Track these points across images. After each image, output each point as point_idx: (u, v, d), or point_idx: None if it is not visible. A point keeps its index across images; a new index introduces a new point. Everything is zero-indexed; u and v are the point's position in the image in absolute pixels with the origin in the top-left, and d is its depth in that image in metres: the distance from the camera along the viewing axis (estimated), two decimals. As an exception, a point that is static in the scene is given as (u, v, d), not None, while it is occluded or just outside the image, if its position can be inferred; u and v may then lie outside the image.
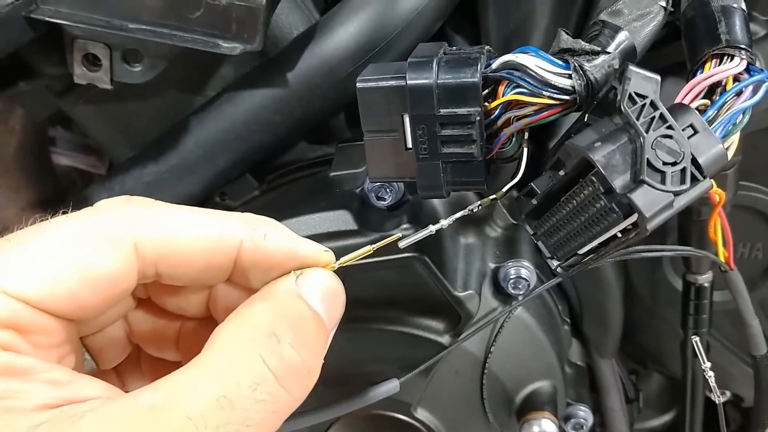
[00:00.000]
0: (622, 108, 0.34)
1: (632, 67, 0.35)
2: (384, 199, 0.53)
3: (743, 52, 0.39)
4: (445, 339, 0.54)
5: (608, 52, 0.39)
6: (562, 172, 0.37)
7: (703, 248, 0.55)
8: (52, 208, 0.33)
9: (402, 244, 0.42)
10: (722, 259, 0.51)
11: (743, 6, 0.42)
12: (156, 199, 0.54)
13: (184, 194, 0.56)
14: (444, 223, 0.42)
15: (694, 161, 0.34)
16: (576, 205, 0.37)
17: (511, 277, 0.55)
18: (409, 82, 0.40)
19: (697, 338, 0.54)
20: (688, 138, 0.34)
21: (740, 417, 0.81)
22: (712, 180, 0.35)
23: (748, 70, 0.39)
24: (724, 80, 0.39)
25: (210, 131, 0.54)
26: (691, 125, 0.35)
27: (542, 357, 0.57)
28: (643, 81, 0.35)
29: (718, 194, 0.46)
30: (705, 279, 0.63)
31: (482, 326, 0.51)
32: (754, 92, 0.38)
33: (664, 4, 0.42)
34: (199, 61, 0.55)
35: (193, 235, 0.33)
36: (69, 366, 0.32)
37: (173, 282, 0.35)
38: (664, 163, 0.33)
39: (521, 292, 0.55)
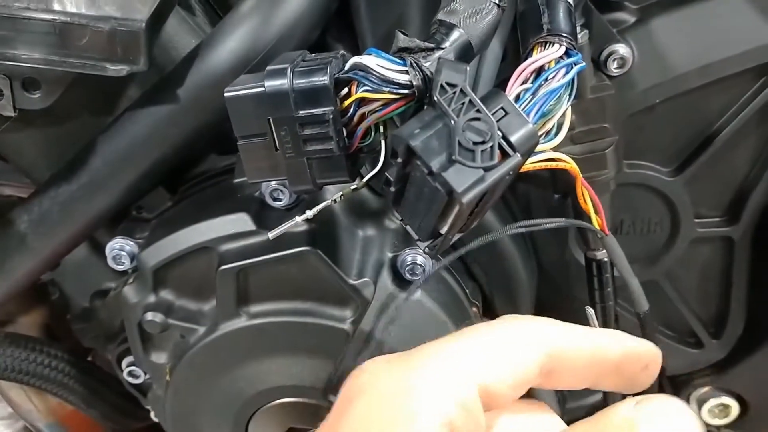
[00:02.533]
0: (435, 97, 0.38)
1: (443, 59, 0.39)
2: (280, 200, 0.57)
3: (563, 38, 0.43)
4: (347, 326, 0.58)
5: (443, 48, 0.44)
6: (399, 160, 0.41)
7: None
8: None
9: (271, 235, 0.46)
10: (597, 226, 0.55)
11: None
12: (73, 217, 0.59)
13: (97, 211, 0.60)
14: (309, 213, 0.47)
15: (506, 139, 0.38)
16: (415, 189, 0.41)
17: (408, 263, 0.59)
18: (267, 87, 0.44)
19: (590, 309, 0.58)
20: (500, 119, 0.38)
21: (670, 387, 0.85)
22: (520, 154, 0.38)
23: (568, 54, 0.43)
24: (547, 65, 0.43)
25: (114, 149, 0.58)
26: (502, 108, 0.39)
27: (446, 337, 0.60)
28: (452, 71, 0.39)
29: (574, 171, 0.50)
30: (603, 254, 0.67)
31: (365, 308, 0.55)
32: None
33: (497, 0, 0.46)
34: (105, 84, 0.59)
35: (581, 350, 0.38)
36: None
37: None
38: (474, 143, 0.37)
39: (418, 278, 0.58)
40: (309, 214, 0.47)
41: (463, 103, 0.38)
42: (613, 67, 0.60)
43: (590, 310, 0.52)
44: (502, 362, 0.36)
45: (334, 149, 0.45)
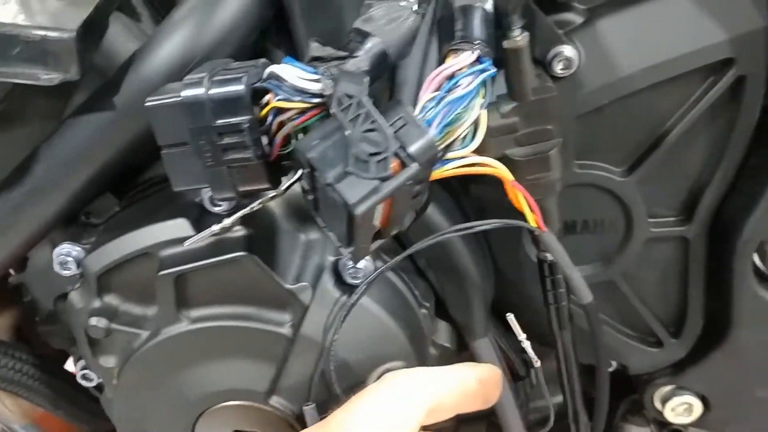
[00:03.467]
0: (332, 109, 0.38)
1: (342, 70, 0.40)
2: (219, 205, 0.57)
3: (474, 45, 0.43)
4: (286, 330, 0.58)
5: (356, 56, 0.44)
6: (307, 169, 0.41)
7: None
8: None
9: (187, 243, 0.46)
10: (533, 224, 0.55)
11: (486, 6, 0.46)
12: (18, 225, 0.60)
13: (44, 217, 0.61)
14: (226, 222, 0.47)
15: (405, 149, 0.38)
16: (324, 198, 0.41)
17: (349, 267, 0.59)
18: (183, 97, 0.45)
19: (512, 315, 0.58)
20: (398, 130, 0.39)
21: (634, 384, 0.84)
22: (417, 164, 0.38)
23: (480, 61, 0.43)
24: (458, 72, 0.43)
25: (57, 156, 0.58)
26: (401, 118, 0.39)
27: (390, 340, 0.61)
28: (350, 83, 0.39)
29: (500, 175, 0.50)
30: (553, 255, 0.67)
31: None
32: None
33: (415, 8, 0.46)
34: (50, 91, 0.60)
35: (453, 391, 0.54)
36: None
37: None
38: (369, 154, 0.37)
39: (359, 281, 0.59)
40: (227, 222, 0.47)
41: (359, 115, 0.38)
42: (558, 68, 0.60)
43: (511, 317, 0.53)
44: (404, 419, 0.50)
45: (252, 158, 0.45)
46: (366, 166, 0.37)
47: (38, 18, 0.51)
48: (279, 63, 0.46)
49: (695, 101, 0.63)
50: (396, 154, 0.38)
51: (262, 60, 0.47)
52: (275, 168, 0.47)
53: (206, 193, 0.57)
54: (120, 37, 0.61)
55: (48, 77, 0.52)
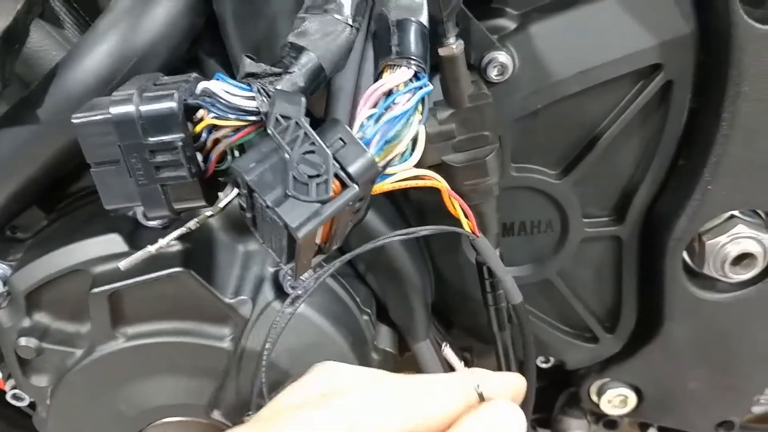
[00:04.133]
0: (269, 130, 0.37)
1: (277, 90, 0.39)
2: (156, 219, 0.56)
3: (411, 62, 0.43)
4: (226, 344, 0.57)
5: (291, 72, 0.43)
6: (246, 190, 0.40)
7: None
8: None
9: (122, 265, 0.45)
10: (468, 229, 0.55)
11: (422, 20, 0.45)
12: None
13: (-33, 233, 0.58)
14: (162, 242, 0.45)
15: (345, 170, 0.38)
16: (263, 217, 0.41)
17: (289, 277, 0.58)
18: (112, 114, 0.43)
19: (447, 346, 0.58)
20: (337, 150, 0.38)
21: (572, 378, 0.87)
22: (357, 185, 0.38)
23: (417, 77, 0.43)
24: (395, 89, 0.42)
25: (-22, 171, 0.56)
26: (340, 138, 0.38)
27: (331, 348, 0.60)
28: (287, 103, 0.38)
29: (439, 186, 0.50)
30: (493, 258, 0.67)
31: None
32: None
33: (349, 21, 0.45)
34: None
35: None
36: None
37: None
38: (309, 177, 0.37)
39: (299, 291, 0.58)
40: (162, 242, 0.46)
41: (297, 136, 0.37)
42: (493, 74, 0.61)
43: (447, 349, 0.53)
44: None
45: (186, 176, 0.44)
46: (306, 189, 0.36)
47: (-47, 31, 0.49)
48: (213, 72, 0.45)
49: (626, 105, 0.64)
50: (336, 176, 0.37)
51: (194, 74, 0.45)
52: (211, 184, 0.46)
53: (140, 208, 0.56)
54: (43, 46, 0.58)
55: (-34, 91, 0.50)
